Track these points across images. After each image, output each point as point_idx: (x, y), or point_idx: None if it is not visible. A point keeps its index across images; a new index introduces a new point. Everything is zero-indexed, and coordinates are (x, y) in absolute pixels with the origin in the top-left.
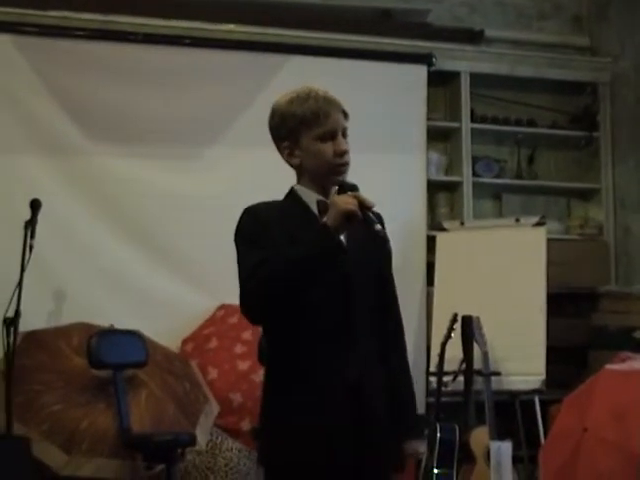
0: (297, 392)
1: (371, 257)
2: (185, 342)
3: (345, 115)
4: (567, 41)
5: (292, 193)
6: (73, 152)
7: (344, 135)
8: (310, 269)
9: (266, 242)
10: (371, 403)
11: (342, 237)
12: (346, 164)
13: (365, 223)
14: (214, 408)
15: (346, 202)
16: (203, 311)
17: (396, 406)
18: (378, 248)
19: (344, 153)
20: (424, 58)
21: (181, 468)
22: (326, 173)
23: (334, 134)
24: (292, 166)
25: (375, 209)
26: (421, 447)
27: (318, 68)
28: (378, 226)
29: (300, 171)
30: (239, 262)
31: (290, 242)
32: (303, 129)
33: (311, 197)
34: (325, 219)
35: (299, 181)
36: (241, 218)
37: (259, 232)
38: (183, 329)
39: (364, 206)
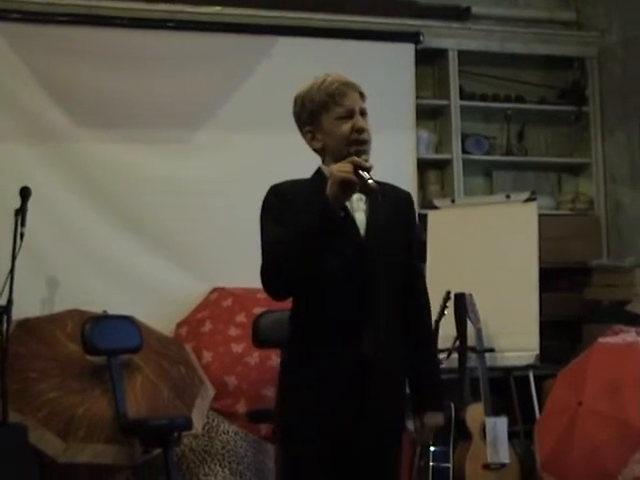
0: (312, 362)
1: (394, 231)
2: (179, 326)
3: (362, 96)
4: (554, 16)
5: (318, 172)
6: (62, 139)
7: (362, 114)
8: (314, 239)
9: (288, 218)
10: (383, 378)
11: (362, 211)
12: (365, 141)
13: (361, 184)
14: (209, 391)
15: (341, 169)
16: (196, 295)
17: (418, 377)
18: (403, 222)
19: (362, 130)
20: (412, 36)
21: (178, 452)
22: (346, 150)
23: (352, 113)
24: (316, 150)
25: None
26: (439, 419)
27: (306, 49)
28: (371, 181)
29: (323, 153)
30: (261, 238)
31: None
32: (322, 111)
33: None
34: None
35: (323, 163)
36: (266, 195)
37: (281, 208)
38: (177, 313)
39: (360, 168)
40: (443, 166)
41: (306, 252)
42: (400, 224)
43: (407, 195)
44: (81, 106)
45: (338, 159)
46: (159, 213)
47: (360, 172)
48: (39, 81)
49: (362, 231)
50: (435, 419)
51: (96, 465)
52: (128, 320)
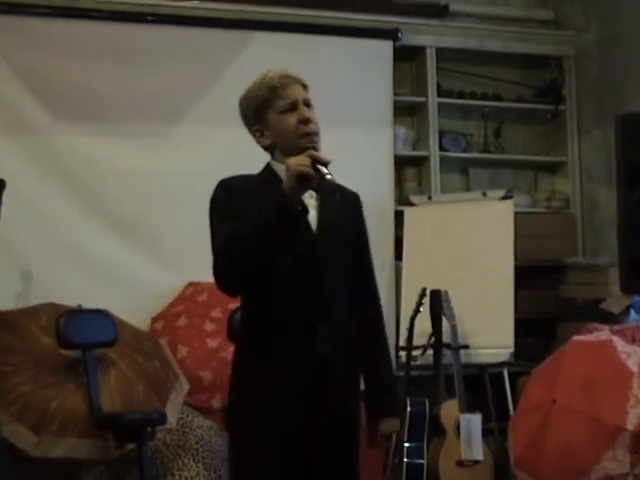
0: (265, 363)
1: (344, 229)
2: (154, 320)
3: (305, 87)
4: (531, 15)
5: (268, 167)
6: (38, 131)
7: (307, 105)
8: (271, 233)
9: (239, 213)
10: (339, 376)
11: (314, 204)
12: (313, 132)
13: (318, 179)
14: (184, 386)
15: (299, 163)
16: (172, 289)
17: (372, 383)
18: (353, 221)
19: (308, 120)
20: (390, 33)
21: (152, 447)
22: (295, 143)
23: (295, 105)
24: (265, 148)
25: (344, 184)
26: (394, 426)
27: (284, 44)
28: (329, 176)
29: (272, 150)
30: (212, 234)
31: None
32: (267, 107)
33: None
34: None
35: (273, 159)
36: (215, 190)
37: (231, 203)
38: (152, 308)
39: (319, 163)
40: (420, 163)
41: (262, 246)
42: (350, 223)
43: (356, 196)
44: (59, 99)
45: (289, 154)
46: (136, 207)
47: (318, 167)
48: (17, 74)
49: (314, 228)
50: (390, 425)
51: (70, 459)
52: (103, 314)
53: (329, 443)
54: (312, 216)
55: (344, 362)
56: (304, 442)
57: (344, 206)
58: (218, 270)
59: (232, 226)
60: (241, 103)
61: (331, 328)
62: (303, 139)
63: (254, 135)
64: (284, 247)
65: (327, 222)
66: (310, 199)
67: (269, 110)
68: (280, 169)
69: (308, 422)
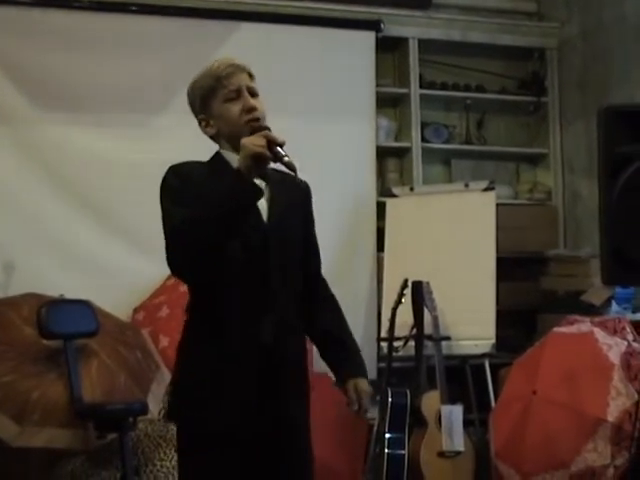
0: (210, 352)
1: (294, 217)
2: (136, 311)
3: (251, 76)
4: (515, 7)
5: (217, 155)
6: (18, 121)
7: (252, 94)
8: (225, 215)
9: (190, 199)
10: (283, 368)
11: (263, 198)
12: (256, 119)
13: (275, 160)
14: (166, 376)
15: (254, 143)
16: (153, 280)
17: (336, 348)
18: (302, 209)
19: (252, 109)
20: (372, 24)
21: (133, 437)
22: (239, 132)
23: (239, 93)
24: (211, 138)
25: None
26: (367, 386)
27: (266, 35)
28: (287, 158)
29: (218, 139)
30: (164, 218)
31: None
32: (212, 96)
33: (234, 158)
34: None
35: (221, 148)
36: (165, 175)
37: (182, 188)
38: (134, 298)
39: (274, 144)
40: (402, 154)
41: (218, 228)
42: (299, 211)
43: (305, 184)
44: (39, 88)
45: (233, 141)
46: (117, 197)
47: (277, 149)
48: None
49: (264, 216)
50: (367, 386)
51: (51, 449)
52: (84, 304)
53: (278, 434)
54: (262, 205)
55: (290, 353)
56: (251, 434)
57: (294, 195)
58: (172, 255)
59: (185, 212)
60: (188, 93)
61: (277, 319)
62: (246, 126)
63: (200, 125)
64: (235, 235)
65: (277, 211)
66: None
67: (214, 99)
68: (230, 157)
69: (253, 413)
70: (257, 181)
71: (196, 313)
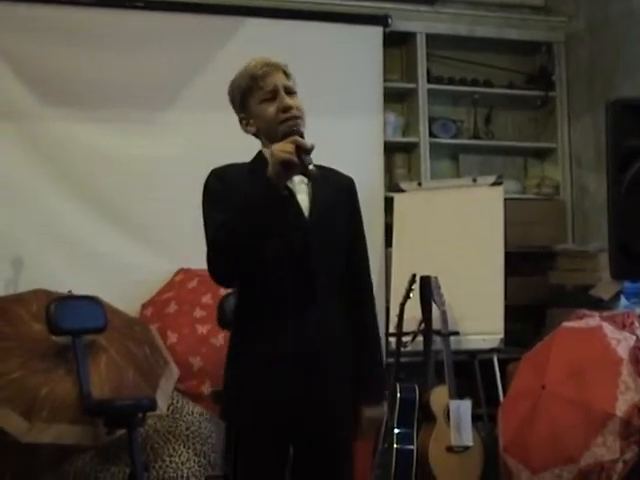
0: (257, 351)
1: (336, 214)
2: (144, 307)
3: (286, 74)
4: (522, 1)
5: (259, 154)
6: (25, 117)
7: (288, 92)
8: (258, 220)
9: (231, 202)
10: (329, 362)
11: (305, 194)
12: (293, 117)
13: (302, 166)
14: (174, 372)
15: (282, 150)
16: (162, 276)
17: (357, 368)
18: (345, 206)
19: (288, 108)
20: (380, 19)
21: (142, 433)
22: (276, 131)
23: (275, 92)
24: (253, 135)
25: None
26: (377, 413)
27: (273, 31)
28: (311, 167)
29: (259, 137)
30: (205, 224)
31: None
32: (249, 96)
33: None
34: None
35: (263, 146)
36: (207, 179)
37: (224, 192)
38: (142, 294)
39: (302, 150)
40: (410, 149)
41: (250, 234)
42: (342, 208)
43: (350, 179)
44: (45, 85)
45: (273, 141)
46: (125, 193)
47: (302, 155)
48: (5, 61)
49: (306, 213)
50: (373, 412)
51: (60, 445)
52: (93, 300)
53: (320, 428)
54: (304, 202)
55: (334, 348)
56: (297, 427)
57: (337, 191)
58: (210, 261)
59: (222, 217)
60: (229, 92)
61: (321, 314)
62: (282, 126)
63: (241, 123)
64: (275, 233)
65: (319, 208)
66: (301, 184)
67: (251, 99)
68: (269, 156)
69: (298, 407)
70: (298, 178)
71: (242, 313)
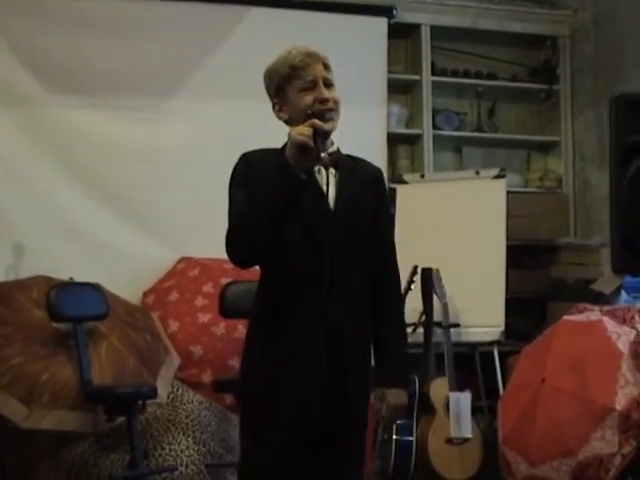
0: (278, 336)
1: (362, 203)
2: (146, 295)
3: (326, 66)
4: None
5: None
6: (31, 105)
7: (326, 85)
8: (275, 202)
9: (257, 186)
10: (350, 347)
11: (332, 185)
12: (329, 110)
13: (317, 151)
14: (175, 360)
15: (300, 132)
16: (163, 264)
17: (381, 351)
18: (372, 195)
19: (325, 100)
20: (385, 10)
21: (142, 420)
22: (307, 118)
23: (314, 83)
24: (284, 121)
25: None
26: (401, 398)
27: (278, 20)
28: (324, 155)
29: (291, 124)
30: (229, 207)
31: None
32: (287, 84)
33: None
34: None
35: None
36: (237, 163)
37: (251, 176)
38: (143, 282)
39: (319, 131)
40: (413, 141)
41: (269, 216)
42: (369, 197)
43: (378, 170)
44: (51, 72)
45: None
46: (128, 181)
47: (318, 140)
48: (11, 47)
49: (331, 201)
50: (398, 397)
51: (60, 432)
52: (94, 287)
53: (341, 415)
54: (330, 192)
55: (355, 334)
56: (317, 414)
57: (364, 181)
58: (229, 241)
59: (245, 199)
60: (265, 77)
61: (343, 299)
62: (318, 116)
63: (274, 108)
64: (296, 218)
65: (344, 196)
66: (329, 175)
67: (289, 87)
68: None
69: (319, 393)
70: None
71: (264, 297)
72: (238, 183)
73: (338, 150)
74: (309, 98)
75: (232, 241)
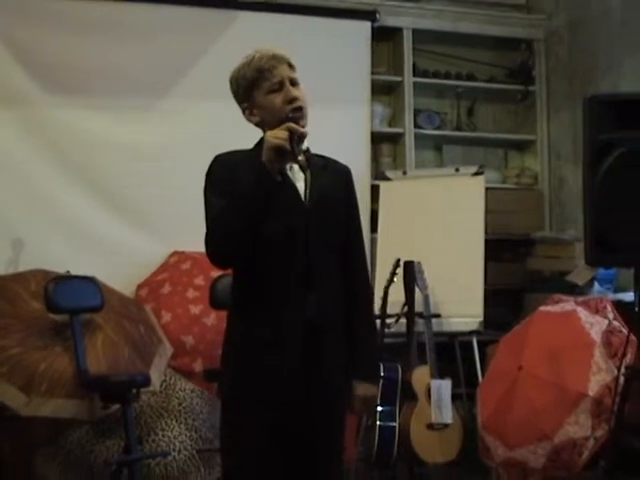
0: (257, 328)
1: (333, 200)
2: (139, 287)
3: (291, 66)
4: None
5: (260, 142)
6: (29, 104)
7: (293, 84)
8: (251, 204)
9: (232, 187)
10: (327, 343)
11: (302, 182)
12: (298, 108)
13: (293, 154)
14: (168, 350)
15: (276, 136)
16: (156, 258)
17: (352, 346)
18: (342, 193)
19: (293, 99)
20: (368, 14)
21: (136, 407)
22: (281, 121)
23: (281, 84)
24: (255, 125)
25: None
26: (370, 391)
27: (267, 24)
28: (301, 157)
29: (262, 127)
30: (205, 208)
31: None
32: (255, 87)
33: None
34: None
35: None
36: (210, 165)
37: (225, 178)
38: (137, 275)
39: (295, 135)
40: (396, 139)
41: (246, 218)
42: (340, 194)
43: (347, 168)
44: (48, 73)
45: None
46: (123, 178)
47: (294, 143)
48: (9, 49)
49: (304, 200)
50: (367, 391)
51: (57, 419)
52: (90, 280)
53: (320, 408)
54: (301, 189)
55: (333, 330)
56: (294, 410)
57: (335, 179)
58: (208, 244)
59: (222, 202)
60: (231, 83)
61: (320, 296)
62: (288, 116)
63: (244, 113)
64: (273, 218)
65: (317, 195)
66: (299, 173)
67: (257, 90)
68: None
69: (299, 389)
70: (296, 167)
71: (241, 293)
72: (212, 186)
73: (308, 149)
74: (278, 99)
75: (211, 243)
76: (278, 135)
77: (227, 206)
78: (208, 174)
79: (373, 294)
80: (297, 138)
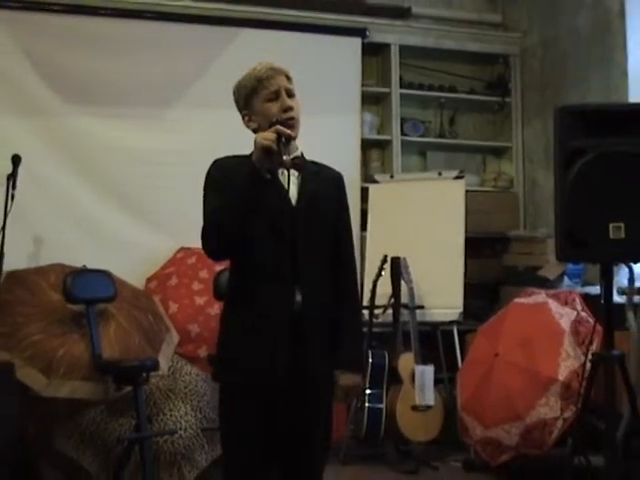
0: (246, 317)
1: (323, 202)
2: (149, 280)
3: (288, 78)
4: (483, 18)
5: None
6: (49, 113)
7: (289, 95)
8: (241, 201)
9: (226, 186)
10: (313, 334)
11: (294, 185)
12: (291, 118)
13: (279, 155)
14: (175, 337)
15: (264, 137)
16: (165, 253)
17: (339, 339)
18: (333, 197)
19: (288, 108)
20: (359, 32)
21: (146, 390)
22: (272, 125)
23: (278, 93)
24: (253, 131)
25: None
26: (352, 381)
27: (265, 40)
28: (285, 157)
29: (259, 132)
30: (203, 208)
31: None
32: (254, 95)
33: None
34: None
35: None
36: (209, 169)
37: (221, 180)
38: (147, 269)
39: (282, 136)
40: (384, 146)
41: (237, 212)
42: (331, 197)
43: (339, 174)
44: (68, 85)
45: None
46: (134, 181)
47: (282, 145)
48: (32, 62)
49: (293, 198)
50: (350, 380)
51: (74, 399)
52: (104, 274)
53: (305, 392)
54: (293, 192)
55: (319, 322)
56: (281, 392)
57: (326, 183)
58: (203, 238)
59: (217, 201)
60: (234, 92)
61: (306, 291)
62: (282, 124)
63: (243, 119)
64: (262, 217)
65: (307, 197)
66: (292, 177)
67: (256, 98)
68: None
69: (284, 371)
70: (291, 171)
71: (234, 285)
72: (209, 186)
73: (302, 155)
74: (275, 107)
75: (205, 237)
76: (266, 136)
77: (221, 202)
78: (206, 176)
79: (360, 289)
80: (284, 140)
